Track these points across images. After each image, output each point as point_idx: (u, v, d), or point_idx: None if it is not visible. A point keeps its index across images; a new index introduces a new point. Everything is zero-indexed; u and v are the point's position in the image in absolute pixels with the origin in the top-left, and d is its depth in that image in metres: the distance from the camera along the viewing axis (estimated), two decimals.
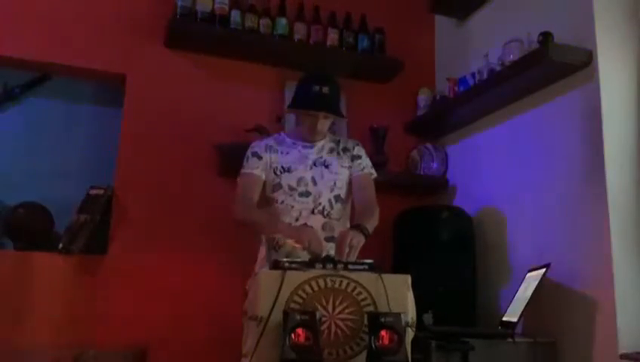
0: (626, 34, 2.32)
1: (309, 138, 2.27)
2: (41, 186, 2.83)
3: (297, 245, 1.96)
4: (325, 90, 2.16)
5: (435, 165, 3.14)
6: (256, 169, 2.23)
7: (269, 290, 1.61)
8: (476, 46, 3.02)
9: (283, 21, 2.97)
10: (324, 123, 2.23)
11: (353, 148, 2.32)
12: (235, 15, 2.88)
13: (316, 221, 2.17)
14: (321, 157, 2.26)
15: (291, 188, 2.19)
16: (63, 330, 2.51)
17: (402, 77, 3.21)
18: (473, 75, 2.83)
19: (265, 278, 1.66)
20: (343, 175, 2.26)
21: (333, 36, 3.05)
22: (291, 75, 3.05)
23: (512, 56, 2.53)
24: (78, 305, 2.56)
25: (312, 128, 2.22)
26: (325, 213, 2.19)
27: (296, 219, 2.16)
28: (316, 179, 2.21)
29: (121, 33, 2.85)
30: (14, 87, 2.96)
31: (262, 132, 2.74)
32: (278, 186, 2.21)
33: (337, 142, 2.33)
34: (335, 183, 2.23)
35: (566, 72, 2.37)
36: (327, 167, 2.24)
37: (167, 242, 2.74)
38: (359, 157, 2.31)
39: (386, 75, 3.21)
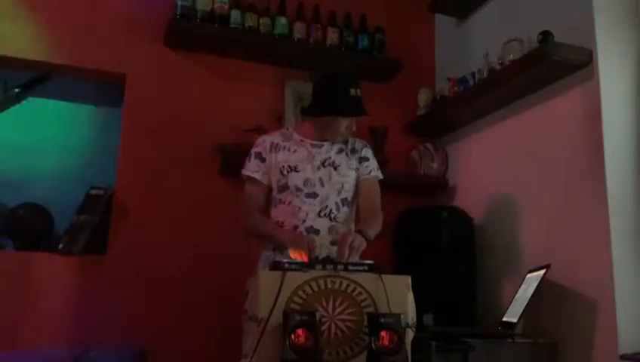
0: (626, 34, 2.31)
1: (342, 139, 2.26)
2: (41, 186, 2.83)
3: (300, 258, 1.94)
4: (359, 92, 2.16)
5: (435, 165, 3.14)
6: (256, 173, 2.22)
7: (269, 291, 1.61)
8: (476, 46, 3.01)
9: (283, 20, 2.97)
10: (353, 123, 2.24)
11: (361, 150, 2.30)
12: (235, 14, 2.88)
13: (322, 224, 2.15)
14: (330, 158, 2.23)
15: (298, 189, 2.17)
16: (63, 330, 2.51)
17: (402, 77, 3.21)
18: (473, 74, 2.83)
19: (265, 279, 1.66)
20: (351, 177, 2.24)
21: (333, 36, 3.05)
22: (291, 75, 3.06)
23: (512, 55, 2.53)
24: (78, 305, 2.56)
25: (351, 130, 2.22)
26: (332, 216, 2.17)
27: (303, 221, 2.14)
28: (324, 180, 2.19)
29: (121, 33, 2.85)
30: (14, 87, 2.96)
31: (262, 132, 2.73)
32: (284, 187, 2.19)
33: (345, 142, 2.29)
34: (343, 186, 2.21)
35: (566, 71, 2.37)
36: (335, 168, 2.22)
37: (167, 242, 2.74)
38: (367, 159, 2.29)
39: (386, 74, 3.21)
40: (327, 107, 2.18)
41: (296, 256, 1.91)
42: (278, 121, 2.91)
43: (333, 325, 1.64)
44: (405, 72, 3.18)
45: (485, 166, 2.89)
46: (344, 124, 2.20)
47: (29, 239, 2.70)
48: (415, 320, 1.73)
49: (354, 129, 2.25)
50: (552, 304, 2.31)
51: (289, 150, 2.23)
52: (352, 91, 2.14)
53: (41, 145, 2.94)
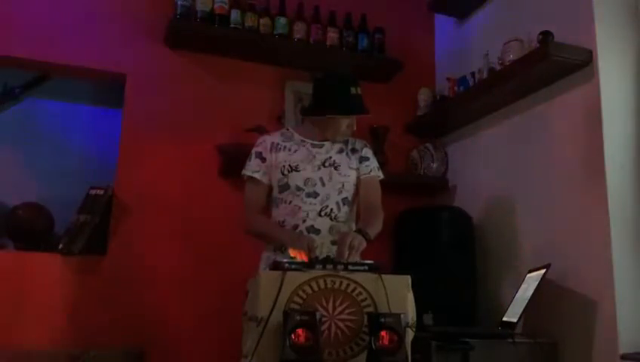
0: (626, 34, 2.32)
1: (343, 138, 2.26)
2: (41, 186, 2.83)
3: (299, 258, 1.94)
4: (359, 90, 2.17)
5: (435, 165, 3.14)
6: (257, 172, 2.22)
7: (269, 291, 1.61)
8: (476, 46, 3.01)
9: (283, 20, 2.97)
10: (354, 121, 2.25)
11: (361, 150, 2.31)
12: (235, 14, 2.88)
13: (323, 223, 2.15)
14: (330, 158, 2.24)
15: (298, 189, 2.17)
16: (63, 330, 2.51)
17: (402, 77, 3.21)
18: (473, 74, 2.83)
19: (265, 279, 1.66)
20: (351, 177, 2.24)
21: (333, 36, 3.05)
22: (291, 75, 3.06)
23: (512, 55, 2.54)
24: (78, 305, 2.56)
25: (352, 130, 2.23)
26: (332, 215, 2.17)
27: (304, 221, 2.15)
28: (324, 180, 2.19)
29: (121, 33, 2.85)
30: (14, 87, 2.96)
31: (262, 132, 2.73)
32: (285, 187, 2.19)
33: (346, 142, 2.30)
34: (343, 185, 2.22)
35: (566, 71, 2.37)
36: (336, 168, 2.22)
37: (167, 242, 2.74)
38: (367, 158, 2.30)
39: (386, 74, 3.21)
40: (327, 106, 2.18)
41: (296, 255, 1.91)
42: (278, 121, 2.91)
43: (333, 325, 1.64)
44: (405, 72, 3.18)
45: (485, 166, 2.89)
46: (345, 122, 2.21)
47: (29, 239, 2.70)
48: (415, 320, 1.73)
49: (354, 128, 2.25)
50: (552, 304, 2.31)
51: (289, 150, 2.24)
52: (353, 90, 2.15)
53: (41, 145, 2.94)
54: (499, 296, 2.65)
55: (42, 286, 2.53)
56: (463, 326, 2.48)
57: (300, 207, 2.16)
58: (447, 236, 2.75)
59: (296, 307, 1.61)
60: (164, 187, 2.79)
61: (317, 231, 2.13)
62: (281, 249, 2.11)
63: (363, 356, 1.61)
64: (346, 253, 1.88)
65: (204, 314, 2.69)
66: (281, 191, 2.20)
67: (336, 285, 1.67)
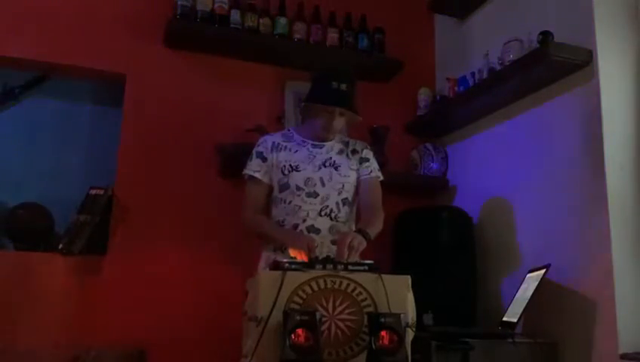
0: (626, 34, 2.32)
1: (323, 136, 2.25)
2: (41, 186, 2.84)
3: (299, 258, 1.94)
4: (343, 87, 2.16)
5: (435, 165, 3.14)
6: (258, 172, 2.23)
7: (268, 291, 1.61)
8: (476, 46, 3.01)
9: (283, 20, 2.97)
10: (339, 121, 2.23)
11: (362, 151, 2.32)
12: (235, 15, 2.88)
13: (323, 223, 2.16)
14: (331, 158, 2.25)
15: (299, 188, 2.19)
16: (63, 330, 2.51)
17: (402, 77, 3.21)
18: (473, 74, 2.83)
19: (265, 279, 1.66)
20: (352, 177, 2.26)
21: (333, 36, 3.05)
22: (291, 75, 3.05)
23: (512, 55, 2.53)
24: (78, 305, 2.56)
25: (329, 125, 2.21)
26: (332, 215, 2.18)
27: (304, 220, 2.16)
28: (325, 180, 2.21)
29: (121, 33, 2.85)
30: (14, 87, 2.96)
31: (262, 132, 2.73)
32: (285, 186, 2.20)
33: (346, 144, 2.32)
34: (343, 186, 2.23)
35: (566, 71, 2.37)
36: (336, 168, 2.23)
37: (167, 242, 2.74)
38: (367, 160, 2.31)
39: (386, 74, 3.21)
40: (307, 99, 2.21)
41: (296, 255, 1.92)
42: (278, 121, 2.91)
43: (333, 325, 1.64)
44: (405, 72, 3.18)
45: (485, 166, 2.88)
46: (324, 116, 2.20)
47: (29, 239, 2.70)
48: (415, 320, 1.73)
49: (338, 126, 2.24)
50: (552, 304, 2.31)
51: (290, 150, 2.25)
52: (334, 84, 2.15)
53: (41, 145, 2.94)
54: (499, 296, 2.65)
55: (42, 286, 2.53)
56: (463, 326, 2.48)
57: (300, 207, 2.17)
58: (447, 236, 2.75)
59: (296, 307, 1.61)
60: (164, 187, 2.79)
61: (317, 231, 2.14)
62: (282, 249, 2.12)
63: (363, 356, 1.61)
64: (346, 253, 1.88)
65: (203, 313, 2.69)
66: (281, 191, 2.21)
67: (337, 285, 1.67)
